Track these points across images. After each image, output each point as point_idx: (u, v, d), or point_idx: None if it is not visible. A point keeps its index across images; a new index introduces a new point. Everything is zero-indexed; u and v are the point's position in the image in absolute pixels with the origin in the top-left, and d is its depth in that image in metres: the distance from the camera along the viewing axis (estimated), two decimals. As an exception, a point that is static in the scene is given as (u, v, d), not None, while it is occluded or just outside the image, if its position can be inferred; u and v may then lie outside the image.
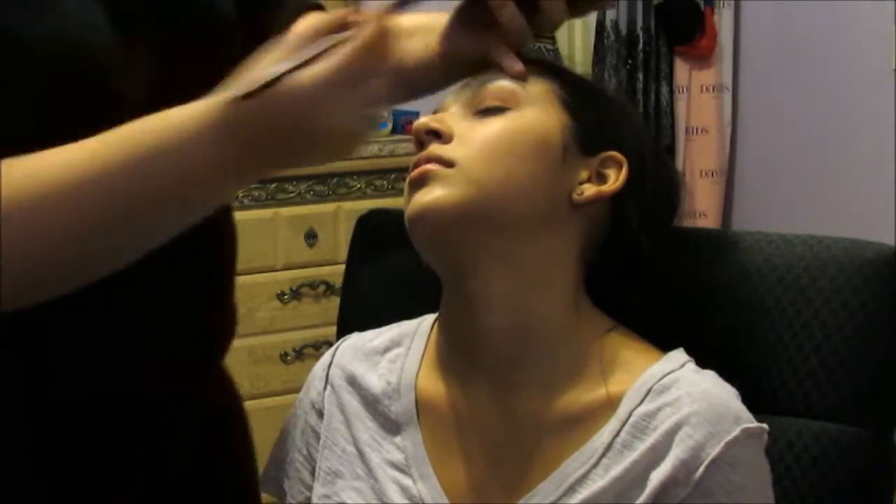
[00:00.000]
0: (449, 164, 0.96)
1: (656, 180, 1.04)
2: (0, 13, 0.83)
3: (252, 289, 2.71)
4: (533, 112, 1.00)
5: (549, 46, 3.47)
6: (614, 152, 1.01)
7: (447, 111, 1.02)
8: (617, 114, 1.05)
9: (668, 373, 0.96)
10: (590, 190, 0.99)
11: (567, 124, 1.00)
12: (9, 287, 0.83)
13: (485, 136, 0.98)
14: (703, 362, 0.99)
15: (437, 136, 0.99)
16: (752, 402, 0.99)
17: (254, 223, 2.67)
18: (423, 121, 1.00)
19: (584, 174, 1.00)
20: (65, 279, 0.88)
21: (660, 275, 1.07)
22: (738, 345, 1.06)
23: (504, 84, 1.00)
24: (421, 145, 1.00)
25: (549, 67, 1.05)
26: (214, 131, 0.85)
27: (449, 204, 0.95)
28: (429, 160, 0.97)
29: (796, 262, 1.04)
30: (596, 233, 1.02)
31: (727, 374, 1.00)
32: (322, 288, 2.78)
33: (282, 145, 0.87)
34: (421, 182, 0.97)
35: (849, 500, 1.01)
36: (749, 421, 0.93)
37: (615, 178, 1.01)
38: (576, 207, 0.99)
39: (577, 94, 1.03)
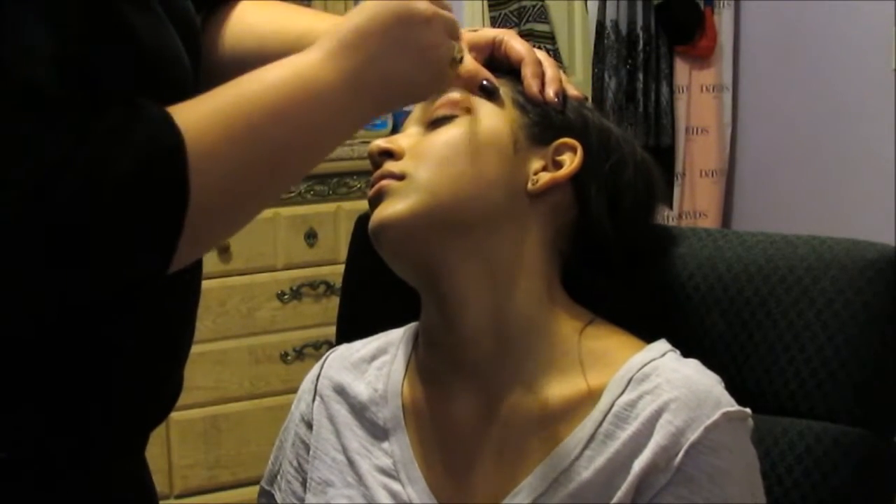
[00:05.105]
0: (400, 177, 1.01)
1: (620, 164, 1.05)
2: (125, 12, 0.85)
3: (252, 289, 2.71)
4: (480, 114, 1.03)
5: (549, 46, 3.47)
6: (567, 138, 1.04)
7: (405, 131, 1.06)
8: (570, 105, 1.07)
9: (649, 362, 0.97)
10: (544, 178, 1.02)
11: (516, 120, 1.03)
12: (199, 232, 0.83)
13: (432, 145, 1.02)
14: (704, 362, 0.99)
15: (390, 155, 1.03)
16: (755, 402, 0.99)
17: (254, 223, 2.63)
18: (375, 143, 1.05)
19: (537, 164, 1.03)
20: (240, 221, 0.91)
21: (653, 271, 1.08)
22: (740, 345, 1.06)
23: (452, 95, 1.03)
24: (377, 168, 1.04)
25: (508, 71, 1.07)
26: (333, 48, 0.89)
27: (405, 214, 0.99)
28: (382, 177, 1.02)
29: (799, 262, 1.04)
30: (562, 222, 1.04)
31: (729, 375, 1.00)
32: (322, 288, 2.78)
33: (391, 54, 0.90)
34: (378, 199, 1.02)
35: (851, 500, 1.01)
36: (730, 405, 0.93)
37: (570, 163, 1.02)
38: (535, 197, 1.02)
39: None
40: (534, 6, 3.49)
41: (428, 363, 1.06)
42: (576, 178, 1.03)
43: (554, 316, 1.02)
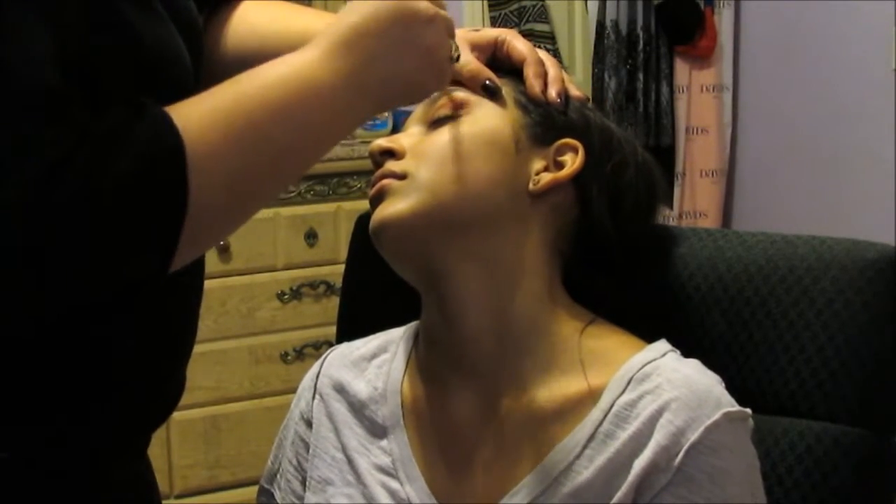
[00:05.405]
0: (401, 176, 1.01)
1: (621, 165, 1.05)
2: (126, 11, 0.85)
3: (252, 289, 2.71)
4: (482, 113, 1.03)
5: (550, 46, 3.47)
6: (569, 139, 1.04)
7: (407, 131, 1.06)
8: (572, 105, 1.07)
9: (649, 362, 0.97)
10: (545, 178, 1.02)
11: (517, 120, 1.03)
12: (197, 231, 0.82)
13: (433, 145, 1.02)
14: (704, 362, 0.99)
15: (392, 154, 1.03)
16: (755, 402, 0.99)
17: (254, 223, 2.63)
18: (376, 142, 1.04)
19: (539, 164, 1.03)
20: (240, 220, 0.89)
21: (653, 271, 1.08)
22: (740, 345, 1.06)
23: (454, 94, 1.03)
24: (378, 167, 1.04)
25: (509, 71, 1.07)
26: (331, 47, 0.89)
27: (406, 214, 0.99)
28: (383, 176, 1.02)
29: (799, 262, 1.04)
30: (563, 222, 1.04)
31: (729, 375, 1.00)
32: (322, 288, 2.78)
33: (393, 54, 0.90)
34: (379, 198, 1.01)
35: (851, 500, 1.00)
36: (731, 405, 0.94)
37: (571, 163, 1.02)
38: (536, 198, 1.02)
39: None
40: (534, 6, 3.49)
41: (428, 362, 1.06)
42: (577, 179, 1.03)
43: (554, 316, 1.02)
